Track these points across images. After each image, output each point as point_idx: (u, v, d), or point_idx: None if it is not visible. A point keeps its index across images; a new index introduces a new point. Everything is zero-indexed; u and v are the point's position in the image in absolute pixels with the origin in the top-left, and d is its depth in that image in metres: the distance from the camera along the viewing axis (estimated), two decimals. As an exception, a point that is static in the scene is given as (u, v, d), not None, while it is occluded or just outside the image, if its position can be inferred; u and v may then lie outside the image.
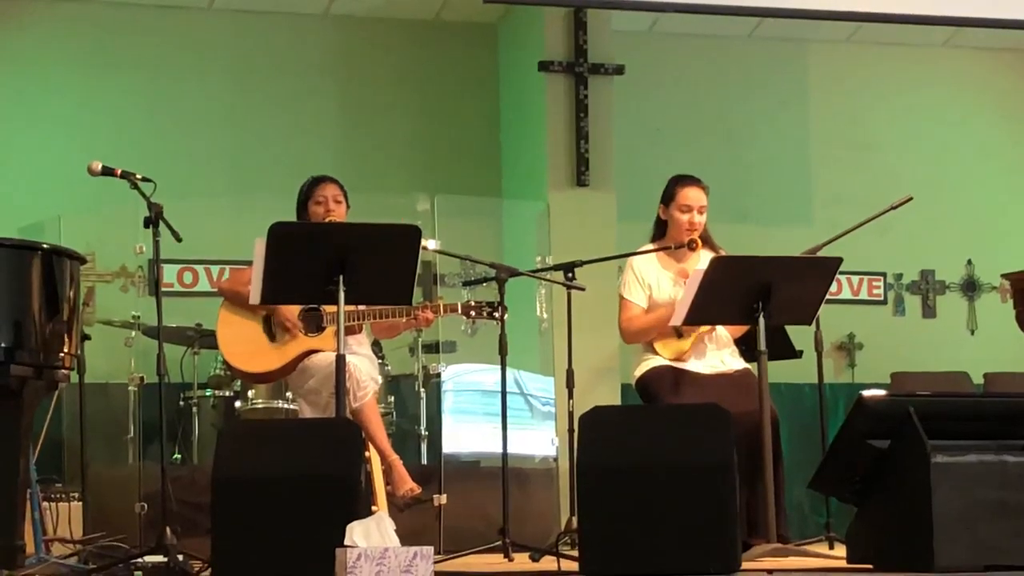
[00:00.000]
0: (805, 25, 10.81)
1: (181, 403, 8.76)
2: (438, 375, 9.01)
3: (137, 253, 8.75)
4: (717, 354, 7.07)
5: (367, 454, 6.56)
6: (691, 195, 7.12)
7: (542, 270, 8.17)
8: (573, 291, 7.21)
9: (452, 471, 8.55)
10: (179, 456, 8.75)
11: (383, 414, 7.60)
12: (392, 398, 8.76)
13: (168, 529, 5.68)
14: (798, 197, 11.19)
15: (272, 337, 6.93)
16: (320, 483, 5.41)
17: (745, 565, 5.45)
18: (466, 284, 7.92)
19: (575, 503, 6.19)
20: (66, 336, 5.79)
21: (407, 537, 5.13)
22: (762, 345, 6.53)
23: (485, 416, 9.13)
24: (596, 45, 10.02)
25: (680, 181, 7.18)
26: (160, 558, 5.57)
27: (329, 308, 6.72)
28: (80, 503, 7.67)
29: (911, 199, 7.58)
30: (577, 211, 9.78)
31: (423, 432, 8.93)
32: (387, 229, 6.15)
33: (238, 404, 8.52)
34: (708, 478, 5.31)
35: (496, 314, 6.97)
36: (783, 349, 8.09)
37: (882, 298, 11.40)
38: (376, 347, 7.91)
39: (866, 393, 5.58)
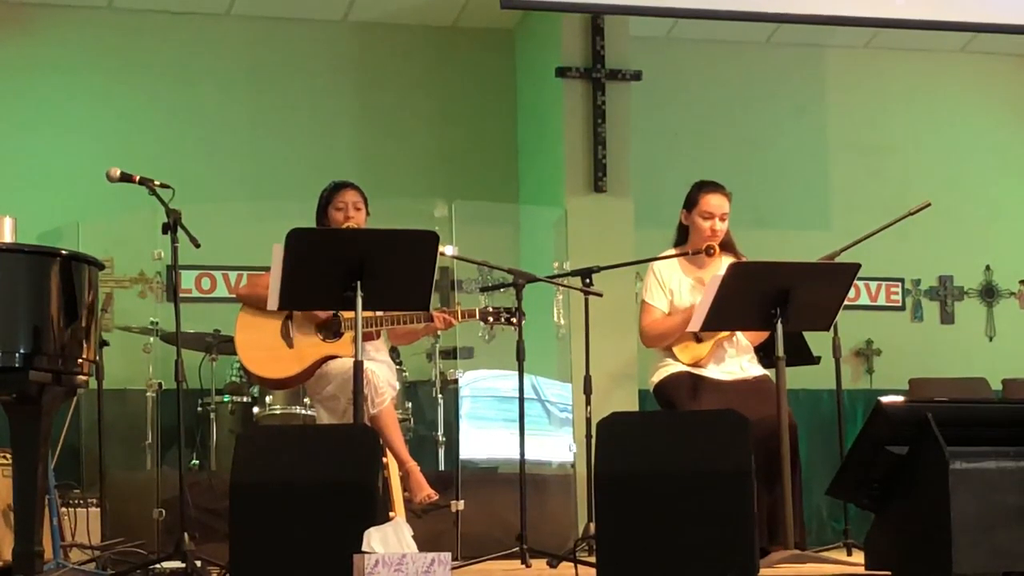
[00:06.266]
0: (822, 31, 10.81)
1: (199, 409, 8.76)
2: (455, 381, 9.00)
3: (155, 259, 8.77)
4: (736, 360, 7.07)
5: (384, 460, 6.56)
6: (714, 202, 7.12)
7: (559, 276, 8.17)
8: (591, 297, 7.21)
9: (469, 477, 8.55)
10: (197, 462, 8.76)
11: (400, 420, 7.59)
12: (410, 404, 8.75)
13: (186, 535, 5.69)
14: (816, 202, 11.18)
15: (290, 343, 6.94)
16: (338, 489, 5.42)
17: (763, 572, 5.45)
18: (484, 290, 7.92)
19: (593, 509, 6.20)
20: (84, 342, 5.80)
21: (424, 543, 5.13)
22: (780, 351, 6.52)
23: (503, 422, 9.11)
24: (613, 51, 10.02)
25: (703, 187, 7.18)
26: (178, 564, 5.58)
27: (347, 314, 6.73)
28: (98, 509, 7.68)
29: (929, 205, 7.58)
30: (595, 217, 9.78)
31: (440, 438, 8.93)
32: (404, 235, 6.16)
33: (256, 410, 8.53)
34: (726, 484, 5.30)
35: (513, 320, 6.97)
36: (801, 355, 8.08)
37: (900, 304, 11.38)
38: (394, 353, 7.92)
39: (884, 399, 5.57)
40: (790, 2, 9.49)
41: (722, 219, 7.12)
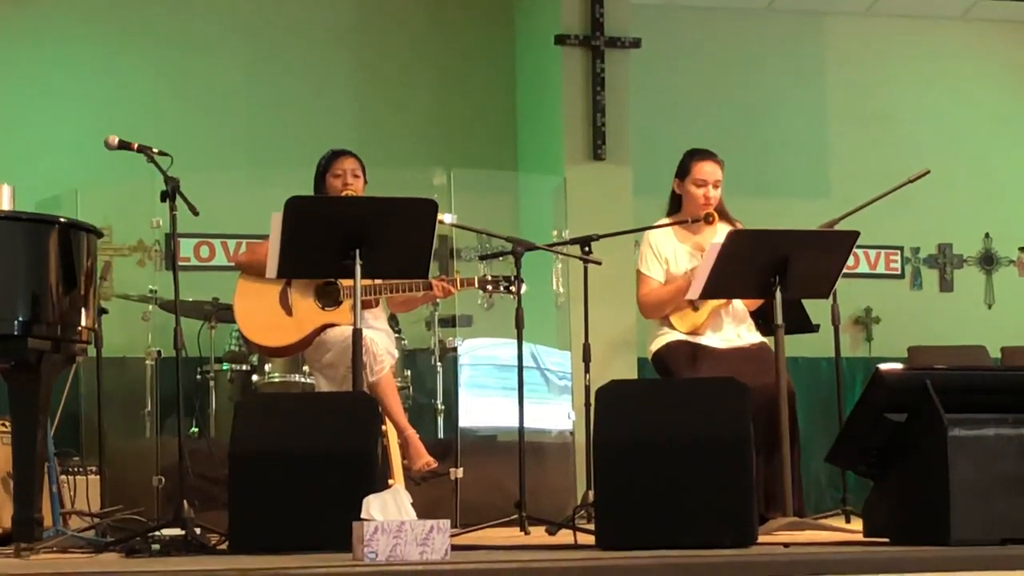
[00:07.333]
0: (823, -2, 10.81)
1: (198, 377, 8.77)
2: (455, 349, 9.02)
3: (154, 227, 8.79)
4: (734, 328, 7.07)
5: (384, 428, 6.57)
6: (706, 169, 7.11)
7: (558, 244, 8.15)
8: (589, 265, 7.20)
9: (468, 445, 8.56)
10: (196, 430, 8.76)
11: (400, 388, 7.61)
12: (409, 372, 8.76)
13: (185, 502, 5.68)
14: (815, 170, 11.18)
15: (289, 311, 6.93)
16: (337, 457, 5.43)
17: (761, 539, 5.45)
18: (483, 258, 7.91)
19: (591, 477, 6.20)
20: (83, 310, 5.79)
21: (423, 510, 5.14)
22: (779, 319, 6.51)
23: (501, 390, 9.13)
24: (613, 18, 10.00)
25: (695, 155, 7.16)
26: (177, 531, 5.57)
27: (346, 282, 6.72)
28: (98, 476, 7.69)
29: (928, 172, 7.56)
30: (593, 185, 9.78)
31: (439, 406, 8.94)
32: (403, 203, 6.15)
33: (255, 378, 8.54)
34: (724, 452, 5.31)
35: (512, 288, 6.97)
36: (800, 323, 8.09)
37: (899, 272, 11.39)
38: (393, 321, 7.92)
39: (883, 367, 5.57)
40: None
41: (715, 186, 7.10)
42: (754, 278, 6.56)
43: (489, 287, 7.07)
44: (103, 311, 7.94)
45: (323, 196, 6.98)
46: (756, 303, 7.04)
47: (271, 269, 6.17)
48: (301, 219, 6.03)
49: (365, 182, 7.11)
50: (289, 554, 5.02)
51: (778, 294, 6.51)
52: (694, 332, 7.02)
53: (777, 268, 6.49)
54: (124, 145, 6.15)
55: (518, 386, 6.87)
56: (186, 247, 9.74)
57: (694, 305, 6.98)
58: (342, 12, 10.65)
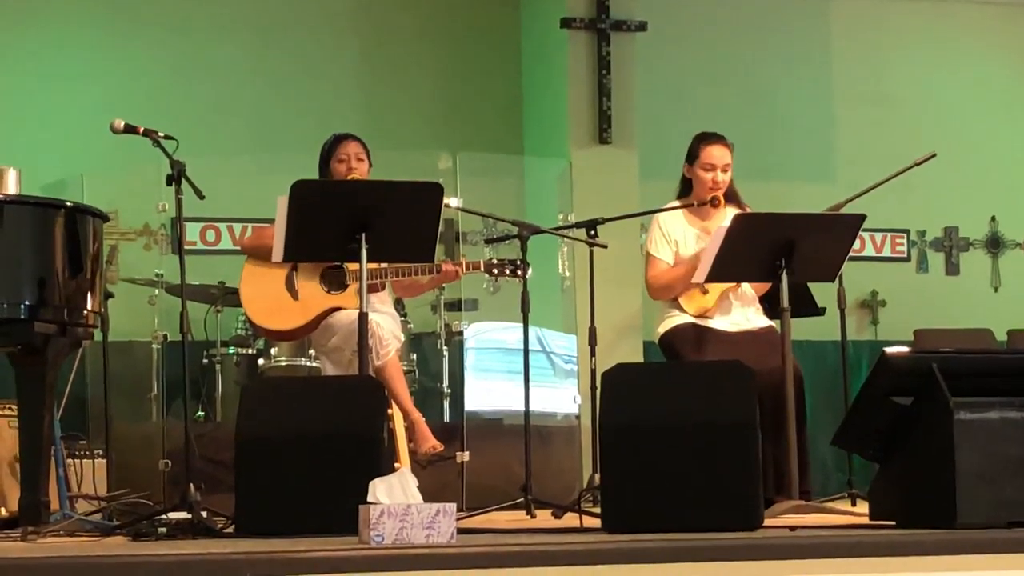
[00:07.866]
0: (828, -20, 10.79)
1: (204, 361, 8.78)
2: (460, 333, 9.02)
3: (160, 211, 8.79)
4: (742, 311, 7.06)
5: (390, 411, 6.56)
6: (715, 153, 7.10)
7: (564, 227, 8.15)
8: (595, 248, 7.20)
9: (474, 428, 8.57)
10: (202, 413, 8.78)
11: (406, 372, 7.61)
12: (415, 356, 8.77)
13: (192, 486, 5.68)
14: (821, 153, 11.16)
15: (295, 295, 6.94)
16: (343, 440, 5.43)
17: (767, 522, 5.46)
18: (488, 242, 7.91)
19: (597, 460, 6.21)
20: (89, 294, 5.80)
21: (430, 494, 5.14)
22: (785, 302, 6.51)
23: (507, 374, 9.14)
24: (618, 2, 9.99)
25: (704, 139, 7.15)
26: (184, 514, 5.58)
27: (352, 266, 6.72)
28: (104, 460, 7.70)
29: (935, 155, 7.55)
30: (599, 168, 9.77)
31: (445, 390, 8.95)
32: (409, 187, 6.15)
33: (261, 362, 8.54)
34: (731, 435, 5.31)
35: (518, 272, 6.96)
36: (806, 306, 8.08)
37: (905, 255, 11.38)
38: (399, 305, 7.92)
39: (889, 350, 5.56)
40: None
41: (724, 170, 7.10)
42: (760, 262, 6.56)
43: (495, 271, 7.07)
44: (109, 295, 7.93)
45: (329, 180, 6.98)
46: (765, 287, 7.03)
47: (277, 253, 6.16)
48: (307, 203, 6.02)
49: (370, 166, 7.11)
50: (295, 537, 5.02)
51: (784, 277, 6.51)
52: (703, 315, 7.01)
53: (783, 251, 6.49)
54: (130, 129, 6.14)
55: (524, 370, 6.87)
56: (192, 231, 9.75)
57: (703, 288, 6.97)
58: (348, -5, 10.67)
